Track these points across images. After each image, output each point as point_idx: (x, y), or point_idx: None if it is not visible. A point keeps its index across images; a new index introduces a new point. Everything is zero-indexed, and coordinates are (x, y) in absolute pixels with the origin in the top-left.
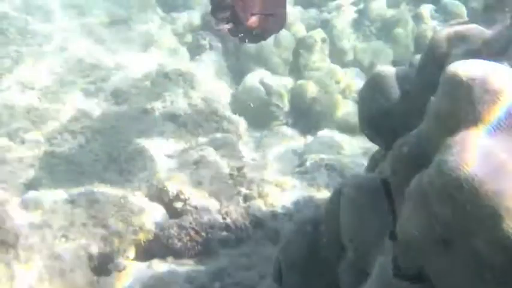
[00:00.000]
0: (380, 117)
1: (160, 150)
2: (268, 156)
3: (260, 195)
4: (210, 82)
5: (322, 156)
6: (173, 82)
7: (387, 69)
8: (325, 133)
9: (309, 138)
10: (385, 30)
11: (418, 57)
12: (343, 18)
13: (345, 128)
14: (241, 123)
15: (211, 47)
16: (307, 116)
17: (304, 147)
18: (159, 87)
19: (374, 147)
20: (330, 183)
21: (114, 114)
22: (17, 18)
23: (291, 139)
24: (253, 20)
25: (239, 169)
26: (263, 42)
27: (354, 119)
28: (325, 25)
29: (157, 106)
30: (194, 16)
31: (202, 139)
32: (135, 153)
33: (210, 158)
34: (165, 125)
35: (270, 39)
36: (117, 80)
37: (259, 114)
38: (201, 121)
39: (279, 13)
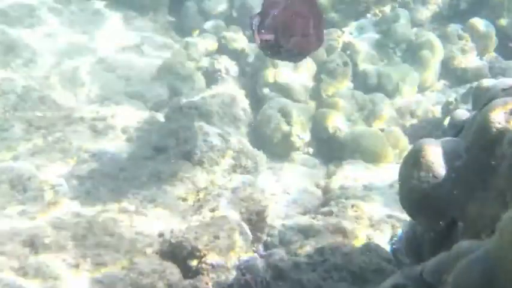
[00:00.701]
0: (423, 198)
1: (172, 196)
2: (290, 190)
3: (282, 242)
4: (225, 113)
5: (348, 193)
6: (188, 116)
7: (430, 143)
8: (349, 165)
9: (332, 169)
10: (411, 52)
11: (462, 113)
12: (366, 40)
13: (370, 157)
14: (261, 157)
15: (227, 72)
16: (329, 145)
17: (328, 180)
18: (173, 122)
19: None
20: (356, 227)
21: (124, 153)
22: None
23: (313, 171)
24: (293, 43)
25: (259, 213)
26: (282, 68)
27: (379, 148)
28: (347, 47)
29: (171, 143)
30: (209, 39)
31: (219, 180)
32: (146, 201)
33: (226, 206)
34: (179, 164)
35: (290, 64)
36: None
37: (279, 144)
38: (217, 158)
39: (318, 33)
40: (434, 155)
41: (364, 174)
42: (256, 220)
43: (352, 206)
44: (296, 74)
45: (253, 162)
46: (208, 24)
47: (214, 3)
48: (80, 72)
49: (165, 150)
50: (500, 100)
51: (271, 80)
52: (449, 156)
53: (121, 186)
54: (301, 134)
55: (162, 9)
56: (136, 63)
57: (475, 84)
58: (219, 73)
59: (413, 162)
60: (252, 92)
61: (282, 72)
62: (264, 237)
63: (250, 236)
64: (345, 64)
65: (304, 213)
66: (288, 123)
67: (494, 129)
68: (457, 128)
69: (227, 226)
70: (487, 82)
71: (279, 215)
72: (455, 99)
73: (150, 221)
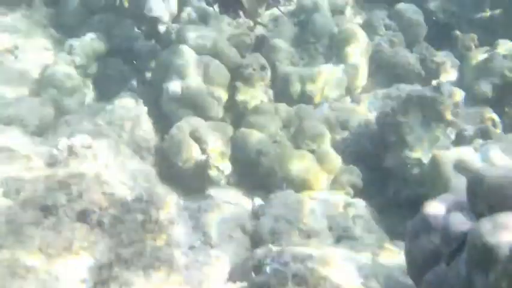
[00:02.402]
0: None
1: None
2: (212, 239)
3: None
4: (129, 142)
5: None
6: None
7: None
8: (277, 196)
9: (257, 201)
10: (334, 48)
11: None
12: (283, 34)
13: (301, 184)
14: (172, 201)
15: (121, 78)
16: (253, 172)
17: (254, 219)
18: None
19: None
20: None
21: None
22: None
23: (236, 208)
24: None
25: None
26: (191, 80)
27: (311, 174)
28: (261, 44)
29: (61, 200)
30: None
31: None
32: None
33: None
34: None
35: (199, 75)
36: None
37: (193, 177)
38: (123, 215)
39: None
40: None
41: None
42: None
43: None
44: (207, 85)
45: (167, 213)
46: (94, 20)
47: None
48: None
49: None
50: None
51: (177, 93)
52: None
53: None
54: (220, 165)
55: (36, 1)
56: (10, 74)
57: (407, 88)
58: (112, 80)
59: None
60: (155, 105)
61: (190, 83)
62: None
63: None
64: (263, 68)
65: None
66: (203, 151)
67: None
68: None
69: None
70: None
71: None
72: (392, 110)
73: None
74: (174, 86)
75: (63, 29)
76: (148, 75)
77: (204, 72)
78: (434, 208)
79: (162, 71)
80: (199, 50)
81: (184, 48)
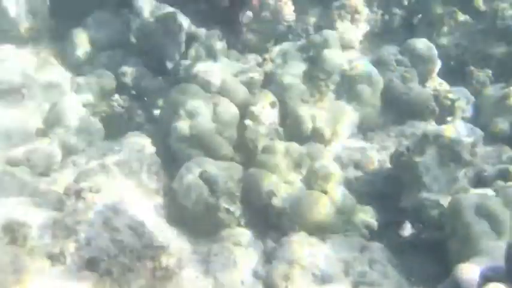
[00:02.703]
0: None
1: None
2: (221, 281)
3: None
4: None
5: None
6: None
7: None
8: (290, 243)
9: (270, 244)
10: (346, 85)
11: None
12: (293, 70)
13: (314, 226)
14: (184, 248)
15: (131, 116)
16: (265, 214)
17: (267, 268)
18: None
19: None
20: None
21: None
22: None
23: (248, 251)
24: None
25: None
26: (200, 119)
27: (324, 216)
28: (271, 80)
29: (69, 248)
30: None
31: None
32: None
33: None
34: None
35: (208, 114)
36: None
37: (204, 221)
38: (132, 263)
39: None
40: None
41: (311, 253)
42: None
43: None
44: (217, 124)
45: (176, 260)
46: (102, 57)
47: (107, 30)
48: None
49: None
50: None
51: (186, 132)
52: None
53: None
54: (230, 207)
55: (43, 39)
56: (17, 113)
57: (426, 128)
58: (121, 118)
59: None
60: (163, 144)
61: (199, 122)
62: None
63: None
64: (273, 105)
65: None
66: (213, 192)
67: None
68: None
69: None
70: None
71: None
72: (408, 149)
73: None
74: (183, 125)
75: (71, 65)
76: (157, 112)
77: (213, 110)
78: (468, 273)
79: (170, 109)
80: (208, 88)
81: (193, 86)
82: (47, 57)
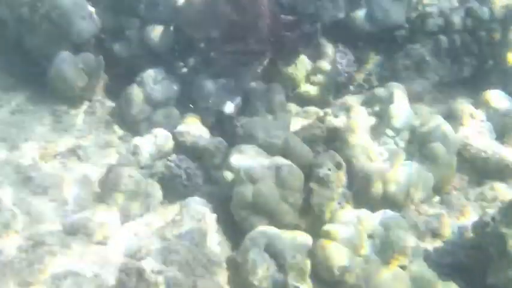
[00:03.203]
0: None
1: None
2: None
3: None
4: (195, 257)
5: None
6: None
7: None
8: None
9: None
10: (417, 143)
11: None
12: (357, 126)
13: None
14: None
15: (189, 178)
16: None
17: None
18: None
19: None
20: None
21: None
22: None
23: None
24: None
25: None
26: (263, 184)
27: None
28: (334, 136)
29: None
30: (162, 136)
31: None
32: None
33: None
34: None
35: (271, 178)
36: None
37: None
38: None
39: None
40: None
41: None
42: None
43: None
44: (280, 190)
45: None
46: (158, 115)
47: (164, 88)
48: None
49: None
50: None
51: (248, 198)
52: None
53: None
54: (300, 285)
55: (98, 97)
56: (72, 176)
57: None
58: (179, 180)
59: None
60: (224, 208)
61: (262, 187)
62: None
63: None
64: (338, 166)
65: None
66: (280, 268)
67: None
68: None
69: None
70: None
71: None
72: (493, 219)
73: None
74: (245, 191)
75: (127, 125)
76: (216, 173)
77: (276, 174)
78: None
79: (229, 169)
80: (270, 149)
81: (253, 148)
82: (102, 116)
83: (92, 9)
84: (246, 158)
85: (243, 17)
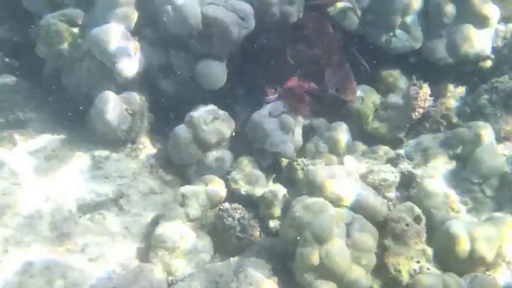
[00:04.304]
0: None
1: None
2: None
3: None
4: None
5: None
6: None
7: None
8: None
9: None
10: (507, 191)
11: None
12: (436, 170)
13: None
14: None
15: (245, 230)
16: None
17: None
18: None
19: None
20: None
21: None
22: None
23: None
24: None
25: None
26: (331, 245)
27: None
28: (408, 183)
29: None
30: (214, 184)
31: None
32: None
33: None
34: None
35: (341, 237)
36: None
37: None
38: None
39: None
40: None
41: None
42: None
43: None
44: (352, 250)
45: None
46: (209, 158)
47: (214, 129)
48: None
49: None
50: None
51: (315, 261)
52: None
53: None
54: None
55: (142, 140)
56: (114, 230)
57: None
58: (231, 232)
59: None
60: (284, 267)
61: (331, 249)
62: None
63: None
64: (417, 220)
65: None
66: None
67: None
68: None
69: None
70: None
71: None
72: None
73: None
74: (310, 253)
75: (174, 169)
76: (273, 224)
77: (348, 232)
78: None
79: (291, 228)
80: (338, 202)
81: (319, 202)
82: (146, 160)
83: (137, 44)
84: (311, 214)
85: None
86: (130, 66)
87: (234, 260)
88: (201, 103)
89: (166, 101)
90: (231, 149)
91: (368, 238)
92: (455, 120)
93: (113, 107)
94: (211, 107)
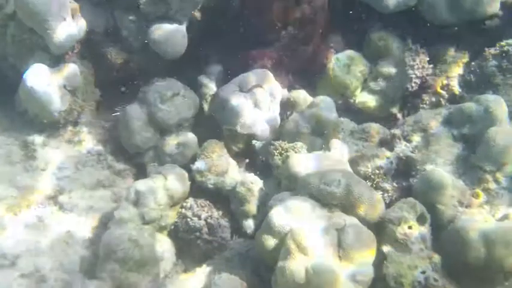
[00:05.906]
0: None
1: None
2: None
3: None
4: None
5: None
6: None
7: None
8: None
9: None
10: None
11: None
12: (440, 157)
13: None
14: None
15: (214, 232)
16: None
17: None
18: None
19: None
20: None
21: None
22: None
23: None
24: None
25: None
26: (317, 255)
27: None
28: (408, 171)
29: None
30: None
31: None
32: None
33: None
34: None
35: (330, 245)
36: None
37: None
38: None
39: None
40: None
41: None
42: None
43: None
44: (343, 262)
45: None
46: (169, 144)
47: (176, 107)
48: None
49: None
50: None
51: (301, 276)
52: None
53: None
54: None
55: (86, 122)
56: (52, 235)
57: None
58: (197, 234)
59: None
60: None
61: (316, 261)
62: None
63: None
64: (422, 221)
65: None
66: None
67: None
68: None
69: None
70: None
71: None
72: None
73: None
74: (295, 268)
75: (126, 156)
76: (248, 224)
77: (338, 239)
78: None
79: (270, 234)
80: (325, 198)
81: (301, 200)
82: (92, 146)
83: (75, 4)
84: (293, 217)
85: None
86: (66, 31)
87: None
88: (158, 76)
89: (116, 74)
90: (195, 132)
91: (362, 245)
92: (458, 91)
93: (47, 83)
94: (170, 80)
